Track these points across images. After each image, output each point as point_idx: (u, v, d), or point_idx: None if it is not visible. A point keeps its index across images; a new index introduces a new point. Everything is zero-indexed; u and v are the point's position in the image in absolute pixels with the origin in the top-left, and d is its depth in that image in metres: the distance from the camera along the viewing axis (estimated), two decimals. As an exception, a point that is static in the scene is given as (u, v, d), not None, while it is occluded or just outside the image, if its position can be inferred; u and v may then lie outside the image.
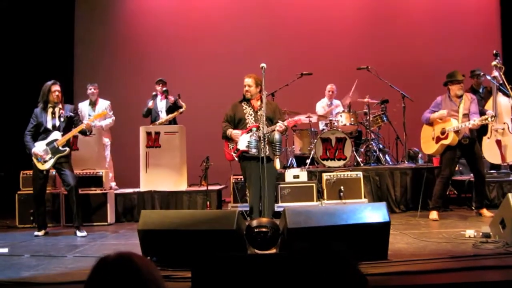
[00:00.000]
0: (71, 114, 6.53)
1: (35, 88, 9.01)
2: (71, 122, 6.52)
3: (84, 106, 8.47)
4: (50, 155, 6.29)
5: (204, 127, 9.29)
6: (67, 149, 6.41)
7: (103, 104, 8.45)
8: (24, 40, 10.01)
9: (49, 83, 6.44)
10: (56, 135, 6.36)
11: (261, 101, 5.82)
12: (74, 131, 6.46)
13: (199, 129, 9.27)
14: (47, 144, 6.30)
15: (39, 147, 6.28)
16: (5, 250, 5.24)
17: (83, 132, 6.54)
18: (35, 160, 6.32)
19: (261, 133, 5.41)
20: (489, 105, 7.32)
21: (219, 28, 10.91)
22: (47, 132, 6.36)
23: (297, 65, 9.59)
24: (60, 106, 6.43)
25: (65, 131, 6.41)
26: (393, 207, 7.51)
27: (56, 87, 6.42)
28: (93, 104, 8.44)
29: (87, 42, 11.01)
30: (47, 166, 6.33)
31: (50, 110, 6.41)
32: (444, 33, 10.90)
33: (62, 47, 10.64)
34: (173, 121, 8.30)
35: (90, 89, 8.43)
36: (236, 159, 5.95)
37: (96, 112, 8.28)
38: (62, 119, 6.40)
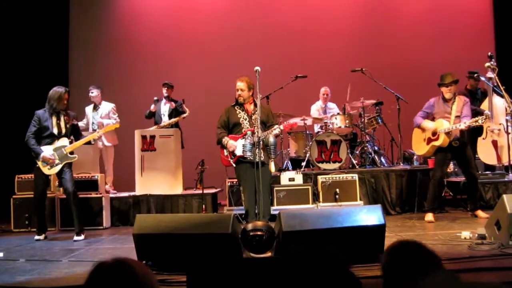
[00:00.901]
0: (76, 122, 6.60)
1: (30, 92, 9.04)
2: (74, 130, 6.60)
3: (88, 110, 8.47)
4: (57, 161, 6.29)
5: (199, 130, 9.28)
6: (76, 156, 6.46)
7: (107, 107, 8.42)
8: (17, 43, 9.97)
9: (62, 91, 6.39)
10: (64, 141, 6.38)
11: (255, 105, 5.84)
12: (86, 140, 6.55)
13: (194, 133, 9.26)
14: (55, 150, 6.30)
15: (47, 152, 6.26)
16: (0, 254, 5.23)
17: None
18: (40, 165, 6.27)
19: (256, 137, 5.42)
20: (484, 106, 7.36)
21: (213, 31, 10.91)
22: (52, 137, 6.34)
23: (292, 67, 9.59)
24: (64, 112, 6.45)
25: (69, 137, 6.48)
26: (388, 209, 7.51)
27: (66, 95, 6.44)
28: (96, 107, 8.43)
29: (82, 44, 10.98)
30: (53, 171, 6.34)
31: (55, 115, 6.38)
32: (438, 35, 10.93)
33: (57, 50, 10.59)
34: (175, 125, 8.29)
35: (92, 92, 8.38)
36: (234, 164, 5.94)
37: (98, 115, 8.29)
38: (68, 126, 6.43)
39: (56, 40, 10.58)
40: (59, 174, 6.39)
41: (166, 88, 8.42)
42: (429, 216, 6.60)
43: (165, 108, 8.44)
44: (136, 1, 11.32)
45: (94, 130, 7.97)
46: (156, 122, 8.41)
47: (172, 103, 8.35)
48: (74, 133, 6.64)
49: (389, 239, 5.14)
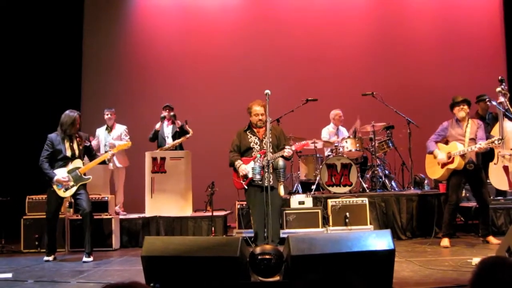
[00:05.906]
0: (89, 143, 6.66)
1: (43, 113, 9.14)
2: (87, 151, 6.66)
3: (101, 132, 8.57)
4: (72, 183, 6.34)
5: (210, 152, 9.31)
6: (90, 177, 6.52)
7: (120, 129, 8.54)
8: (32, 66, 10.15)
9: (75, 115, 6.46)
10: (78, 163, 6.45)
11: (266, 128, 5.88)
12: (98, 160, 6.59)
13: (205, 155, 9.29)
14: (69, 172, 6.36)
15: (61, 175, 6.31)
16: (9, 275, 5.25)
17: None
18: (55, 187, 6.32)
19: (265, 160, 5.44)
20: (495, 131, 7.30)
21: (224, 54, 11.01)
22: (66, 160, 6.40)
23: (302, 91, 9.63)
24: (76, 134, 6.50)
25: (82, 159, 6.55)
26: (399, 234, 7.45)
27: (79, 119, 6.52)
28: (109, 129, 8.53)
29: (94, 68, 11.14)
30: (68, 193, 6.38)
31: (67, 138, 6.43)
32: (449, 59, 10.95)
33: (70, 73, 10.77)
34: (179, 147, 8.33)
35: (107, 114, 8.53)
36: (246, 187, 5.95)
37: (111, 137, 8.38)
38: (80, 147, 6.49)
39: (69, 63, 10.79)
40: (75, 194, 6.41)
41: (168, 110, 8.51)
42: (445, 242, 6.55)
43: (168, 130, 8.51)
44: (147, 26, 11.45)
45: (106, 152, 8.04)
46: (160, 144, 8.46)
47: (179, 122, 8.41)
48: (88, 154, 6.72)
49: (399, 264, 5.12)
